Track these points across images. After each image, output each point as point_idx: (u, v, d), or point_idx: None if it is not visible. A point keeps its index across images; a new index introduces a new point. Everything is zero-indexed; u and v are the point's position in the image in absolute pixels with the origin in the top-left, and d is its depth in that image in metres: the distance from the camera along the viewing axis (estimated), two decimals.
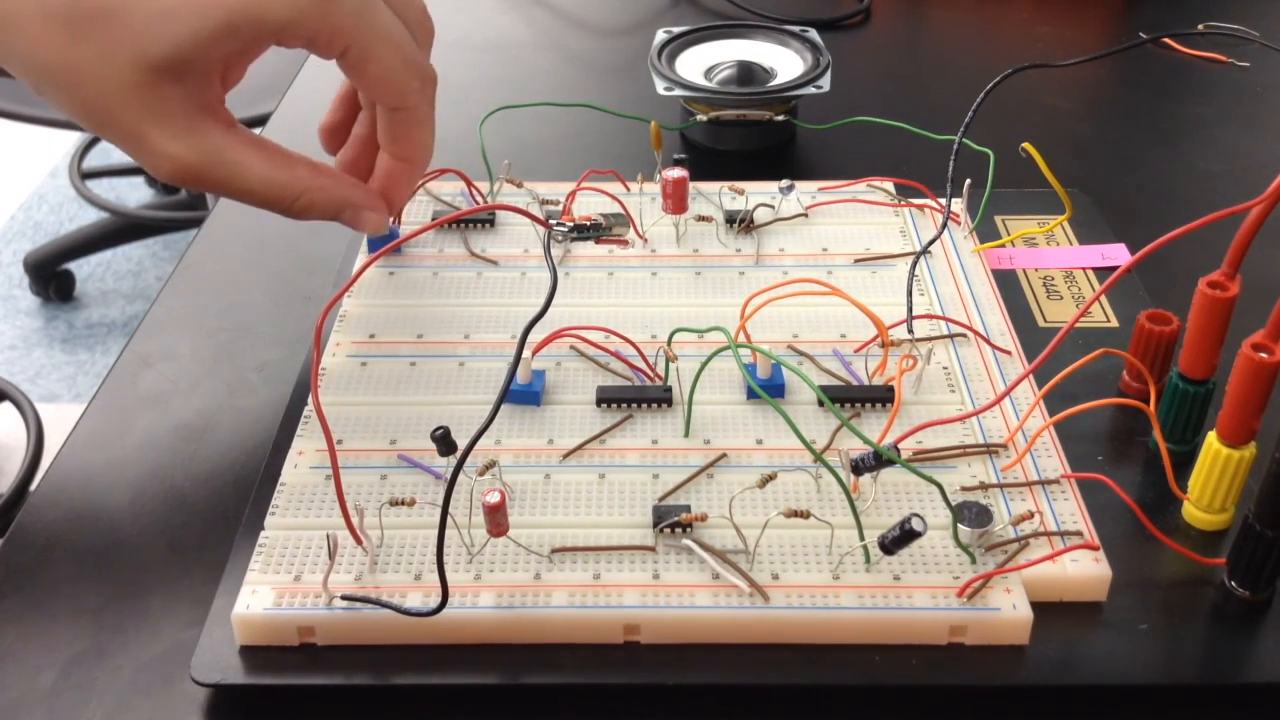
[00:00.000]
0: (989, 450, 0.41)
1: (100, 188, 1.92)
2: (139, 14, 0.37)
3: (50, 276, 1.83)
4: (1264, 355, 0.36)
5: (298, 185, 0.42)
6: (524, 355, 0.41)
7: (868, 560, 0.37)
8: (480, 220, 0.53)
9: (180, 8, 0.37)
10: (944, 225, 0.53)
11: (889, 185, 0.56)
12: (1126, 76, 0.74)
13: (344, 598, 0.36)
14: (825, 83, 0.62)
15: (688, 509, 0.38)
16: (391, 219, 0.48)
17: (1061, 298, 0.50)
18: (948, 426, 0.42)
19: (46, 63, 0.38)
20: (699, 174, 0.53)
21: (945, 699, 0.36)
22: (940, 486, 0.37)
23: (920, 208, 0.55)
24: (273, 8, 0.38)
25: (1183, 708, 0.35)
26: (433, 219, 0.54)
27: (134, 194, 2.03)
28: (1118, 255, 0.53)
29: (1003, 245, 0.53)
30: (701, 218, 0.53)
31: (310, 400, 0.41)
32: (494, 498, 0.35)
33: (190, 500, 0.42)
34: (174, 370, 0.48)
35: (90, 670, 0.36)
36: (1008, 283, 0.51)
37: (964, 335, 0.47)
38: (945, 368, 0.45)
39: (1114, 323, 0.49)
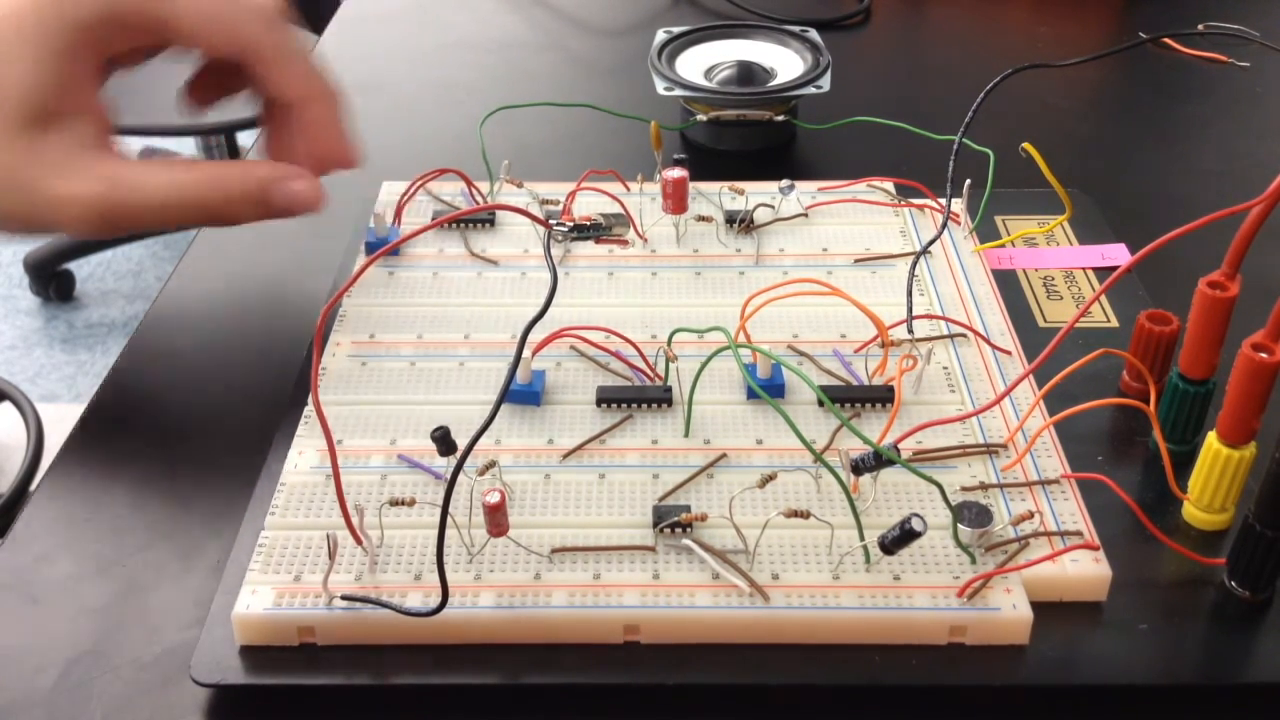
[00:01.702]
0: (989, 450, 0.41)
1: None
2: None
3: (50, 276, 1.83)
4: (1264, 355, 0.36)
5: (205, 181, 0.41)
6: (524, 355, 0.41)
7: (868, 560, 0.37)
8: (480, 220, 0.53)
9: (6, 55, 0.38)
10: (944, 225, 0.53)
11: (889, 185, 0.56)
12: (1126, 76, 0.74)
13: (344, 598, 0.36)
14: (825, 83, 0.62)
15: (688, 509, 0.38)
16: (392, 222, 0.48)
17: (1061, 298, 0.50)
18: (948, 426, 0.42)
19: None
20: (699, 174, 0.53)
21: (945, 699, 0.36)
22: (940, 486, 0.37)
23: (920, 208, 0.55)
24: (74, 7, 0.38)
25: (1183, 708, 0.35)
26: (433, 219, 0.54)
27: None
28: (1118, 255, 0.53)
29: (1003, 245, 0.53)
30: (701, 218, 0.53)
31: (310, 400, 0.41)
32: (494, 498, 0.35)
33: (190, 500, 0.42)
34: (174, 370, 0.48)
35: (90, 670, 0.36)
36: (1008, 283, 0.51)
37: (964, 335, 0.47)
38: (945, 368, 0.45)
39: (1114, 323, 0.49)
